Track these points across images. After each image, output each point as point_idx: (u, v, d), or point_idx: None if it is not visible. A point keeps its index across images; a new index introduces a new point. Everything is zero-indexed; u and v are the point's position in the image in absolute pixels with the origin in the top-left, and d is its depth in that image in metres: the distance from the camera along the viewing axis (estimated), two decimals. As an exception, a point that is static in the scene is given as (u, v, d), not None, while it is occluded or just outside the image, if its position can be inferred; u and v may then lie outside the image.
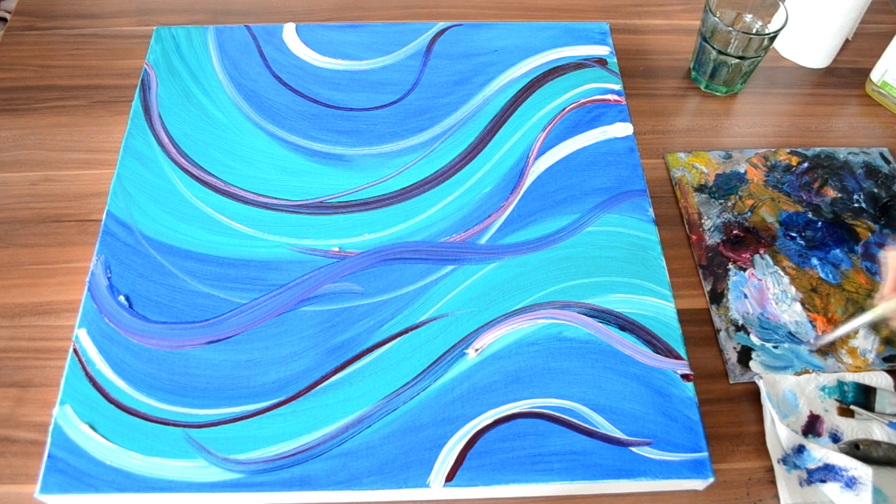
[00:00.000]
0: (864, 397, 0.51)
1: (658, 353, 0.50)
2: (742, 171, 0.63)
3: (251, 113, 0.62)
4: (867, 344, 0.54)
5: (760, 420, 0.51)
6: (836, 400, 0.51)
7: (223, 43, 0.67)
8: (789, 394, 0.51)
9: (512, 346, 0.50)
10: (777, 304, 0.56)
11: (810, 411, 0.51)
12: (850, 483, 0.46)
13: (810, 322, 0.55)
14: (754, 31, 0.68)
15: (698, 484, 0.47)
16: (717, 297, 0.56)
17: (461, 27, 0.69)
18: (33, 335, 0.53)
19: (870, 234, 0.59)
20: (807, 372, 0.52)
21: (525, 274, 0.54)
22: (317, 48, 0.67)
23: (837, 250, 0.59)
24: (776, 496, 0.48)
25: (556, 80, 0.65)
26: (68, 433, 0.46)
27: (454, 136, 0.61)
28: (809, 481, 0.47)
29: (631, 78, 0.70)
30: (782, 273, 0.57)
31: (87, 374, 0.48)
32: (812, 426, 0.50)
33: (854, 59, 0.73)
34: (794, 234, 0.59)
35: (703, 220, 0.60)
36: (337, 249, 0.55)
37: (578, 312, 0.52)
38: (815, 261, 0.58)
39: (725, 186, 0.62)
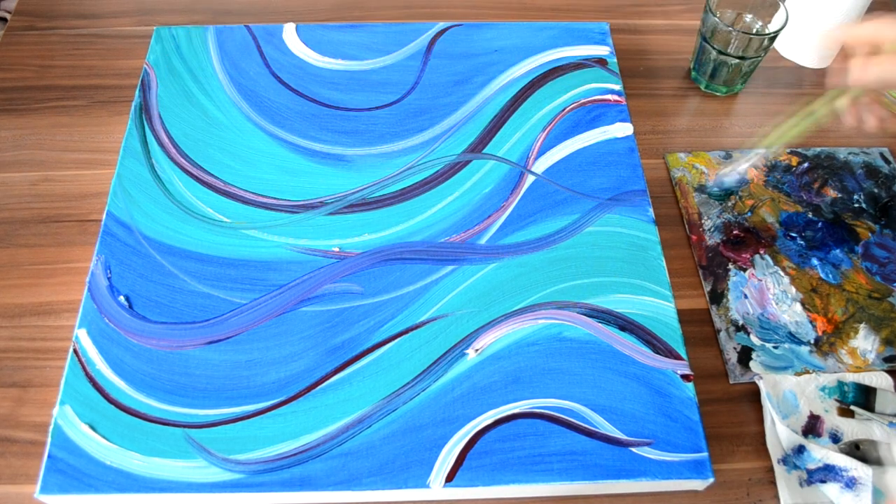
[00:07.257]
0: (864, 397, 0.51)
1: (658, 353, 0.50)
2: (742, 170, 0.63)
3: (251, 113, 0.62)
4: (867, 344, 0.54)
5: (760, 420, 0.51)
6: (836, 400, 0.51)
7: (223, 43, 0.67)
8: (789, 394, 0.51)
9: (512, 346, 0.50)
10: (777, 304, 0.56)
11: (810, 411, 0.51)
12: (851, 483, 0.46)
13: (810, 322, 0.55)
14: (754, 31, 0.68)
15: (698, 484, 0.47)
16: (717, 297, 0.56)
17: (461, 27, 0.69)
18: (33, 335, 0.53)
19: (870, 235, 0.59)
20: (807, 372, 0.52)
21: (525, 274, 0.54)
22: (317, 48, 0.67)
23: (837, 250, 0.59)
24: (776, 496, 0.48)
25: (556, 81, 0.65)
26: (68, 433, 0.46)
27: (454, 136, 0.61)
28: (809, 482, 0.47)
29: (631, 78, 0.70)
30: (782, 273, 0.57)
31: (87, 374, 0.48)
32: (812, 426, 0.50)
33: (854, 59, 0.73)
34: (794, 235, 0.59)
35: (703, 221, 0.60)
36: (337, 250, 0.55)
37: (578, 313, 0.52)
38: (815, 261, 0.58)
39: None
